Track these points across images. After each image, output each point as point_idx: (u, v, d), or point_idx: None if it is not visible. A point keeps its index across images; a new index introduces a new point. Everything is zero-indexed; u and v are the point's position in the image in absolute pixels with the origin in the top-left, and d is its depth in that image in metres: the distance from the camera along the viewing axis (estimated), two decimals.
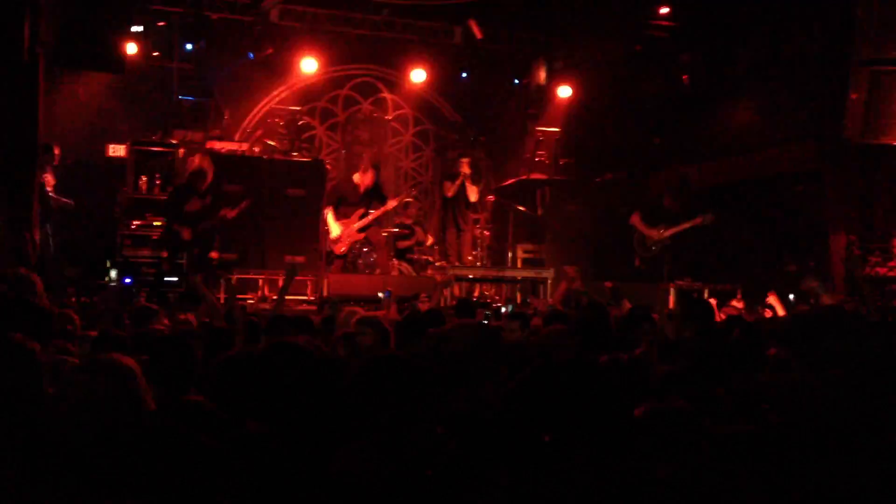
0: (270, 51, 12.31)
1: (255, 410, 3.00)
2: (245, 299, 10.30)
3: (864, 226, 9.76)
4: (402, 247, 12.00)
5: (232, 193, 10.55)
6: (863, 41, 8.66)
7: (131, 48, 10.67)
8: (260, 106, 13.21)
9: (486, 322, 6.77)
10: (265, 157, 11.89)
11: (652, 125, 12.37)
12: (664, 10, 11.75)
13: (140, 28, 11.13)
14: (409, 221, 12.25)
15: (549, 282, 10.30)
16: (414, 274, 11.49)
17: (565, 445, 2.36)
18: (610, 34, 12.24)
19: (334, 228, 10.60)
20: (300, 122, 12.89)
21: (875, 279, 9.27)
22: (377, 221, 10.93)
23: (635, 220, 10.05)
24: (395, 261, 11.59)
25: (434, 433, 2.76)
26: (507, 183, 13.23)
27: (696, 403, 3.02)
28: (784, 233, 10.69)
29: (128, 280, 10.05)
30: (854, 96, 8.62)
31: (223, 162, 10.89)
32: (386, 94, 14.10)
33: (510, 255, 12.09)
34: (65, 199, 10.28)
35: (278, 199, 11.55)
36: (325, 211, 10.79)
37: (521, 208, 11.93)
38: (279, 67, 12.82)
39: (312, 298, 10.85)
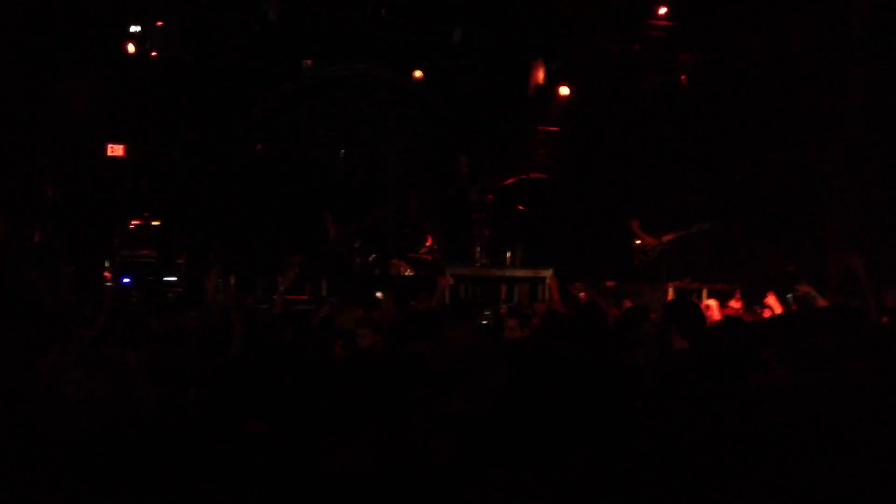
0: (269, 51, 12.33)
1: (254, 410, 3.00)
2: (245, 299, 10.29)
3: (864, 225, 9.77)
4: (402, 246, 12.01)
5: None
6: (862, 40, 8.67)
7: (131, 48, 10.68)
8: (260, 106, 13.20)
9: (486, 322, 6.77)
10: (265, 157, 11.90)
11: (651, 125, 12.37)
12: (663, 10, 11.76)
13: (139, 28, 11.13)
14: (408, 221, 12.26)
15: (549, 281, 10.29)
16: (413, 273, 11.49)
17: (563, 444, 2.36)
18: (609, 34, 12.24)
19: None
20: (299, 123, 12.89)
21: (872, 281, 9.26)
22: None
23: (634, 226, 10.10)
24: (394, 260, 11.59)
25: (432, 433, 2.76)
26: (506, 183, 13.22)
27: (692, 404, 3.02)
28: (783, 234, 10.70)
29: (126, 280, 10.05)
30: (852, 96, 8.64)
31: (224, 160, 10.91)
32: (385, 94, 14.10)
33: (510, 255, 12.08)
34: None
35: (278, 197, 11.56)
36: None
37: (521, 208, 11.93)
38: (278, 67, 12.81)
39: (311, 298, 10.85)
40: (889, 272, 8.08)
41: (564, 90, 13.08)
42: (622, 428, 2.48)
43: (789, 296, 8.22)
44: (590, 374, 2.50)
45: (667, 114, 12.12)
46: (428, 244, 12.32)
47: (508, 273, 11.22)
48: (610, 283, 9.47)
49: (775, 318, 6.32)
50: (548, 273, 10.44)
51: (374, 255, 11.44)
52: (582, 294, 9.52)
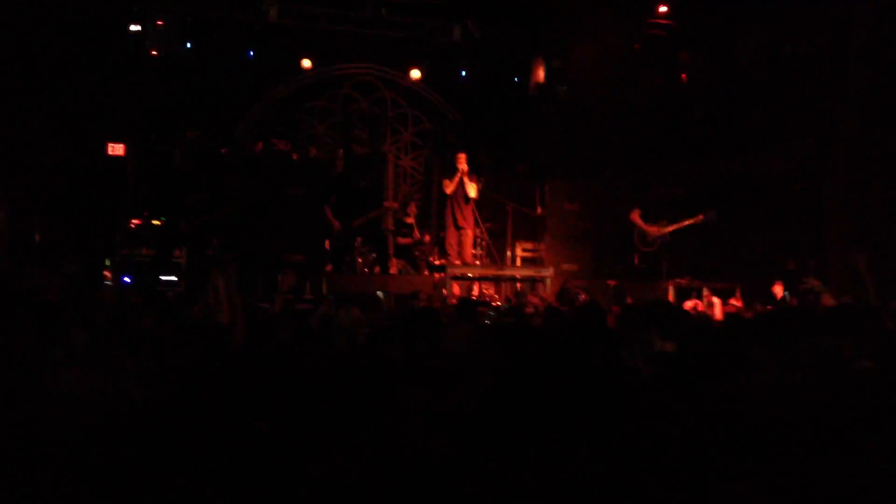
0: (269, 50, 12.35)
1: (254, 409, 3.00)
2: (245, 298, 10.28)
3: (864, 225, 9.76)
4: (401, 244, 12.01)
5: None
6: (862, 40, 8.66)
7: (131, 47, 10.70)
8: (259, 105, 13.21)
9: (487, 322, 6.76)
10: (265, 156, 11.89)
11: (651, 124, 12.37)
12: (663, 9, 11.77)
13: (139, 27, 11.14)
14: (409, 220, 12.26)
15: (549, 280, 10.31)
16: (413, 272, 11.50)
17: (558, 442, 2.36)
18: (609, 33, 12.24)
19: None
20: (300, 123, 12.90)
21: (874, 279, 9.27)
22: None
23: (635, 216, 10.08)
24: (394, 259, 11.60)
25: (431, 432, 2.76)
26: (506, 182, 13.22)
27: (685, 404, 3.01)
28: (784, 233, 10.70)
29: (126, 279, 10.05)
30: (853, 96, 8.64)
31: (224, 159, 10.91)
32: (385, 93, 14.10)
33: (510, 254, 12.10)
34: None
35: (278, 197, 11.54)
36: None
37: (520, 208, 11.93)
38: (278, 66, 12.82)
39: (311, 297, 10.85)
40: (890, 271, 8.08)
41: (563, 89, 13.08)
42: (619, 427, 2.48)
43: (786, 293, 8.23)
44: (587, 373, 2.50)
45: (666, 113, 12.12)
46: (428, 242, 12.33)
47: (508, 273, 11.23)
48: (611, 283, 9.47)
49: (767, 316, 6.30)
50: (548, 273, 10.46)
51: (374, 255, 11.48)
52: (582, 294, 9.53)
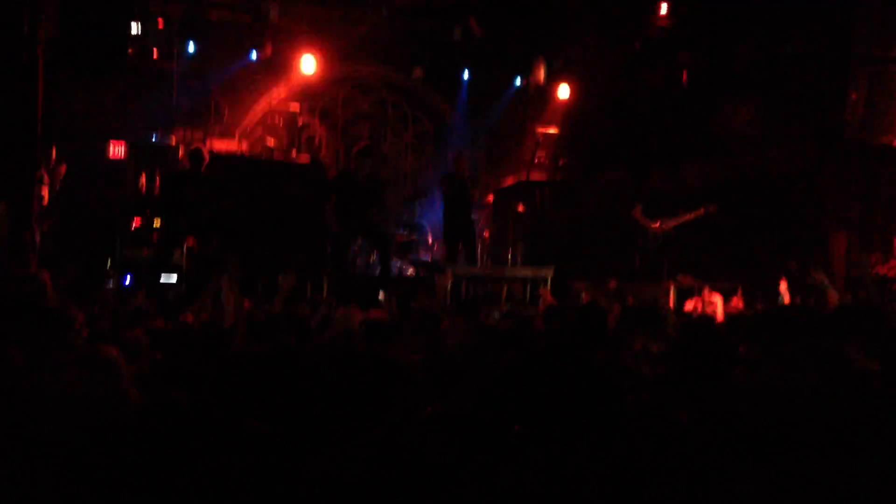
0: (270, 51, 12.34)
1: (254, 410, 3.00)
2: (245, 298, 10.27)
3: (864, 226, 9.77)
4: (402, 244, 12.02)
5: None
6: (862, 40, 8.67)
7: (131, 48, 10.70)
8: (259, 105, 13.21)
9: (487, 322, 6.76)
10: (264, 156, 11.90)
11: (651, 124, 12.37)
12: (663, 9, 11.77)
13: (139, 27, 11.15)
14: (410, 220, 12.27)
15: (549, 281, 10.29)
16: (414, 273, 11.49)
17: (558, 442, 2.36)
18: (609, 33, 12.25)
19: None
20: (300, 122, 12.90)
21: (876, 279, 9.28)
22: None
23: (636, 213, 10.08)
24: (395, 259, 11.59)
25: (430, 432, 2.76)
26: (506, 183, 13.22)
27: (685, 404, 3.01)
28: (784, 233, 10.70)
29: (127, 280, 10.04)
30: (853, 96, 8.64)
31: (223, 160, 10.90)
32: (385, 94, 14.10)
33: (510, 254, 12.08)
34: None
35: (277, 198, 11.53)
36: None
37: (520, 208, 11.92)
38: (279, 67, 12.82)
39: (311, 297, 10.83)
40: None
41: (565, 89, 13.07)
42: (618, 426, 2.48)
43: (783, 291, 8.23)
44: (587, 372, 2.50)
45: (666, 113, 12.12)
46: (429, 243, 12.33)
47: (509, 273, 11.22)
48: (612, 283, 9.44)
49: (768, 316, 6.30)
50: (548, 273, 10.44)
51: (374, 255, 11.45)
52: (584, 294, 9.53)
